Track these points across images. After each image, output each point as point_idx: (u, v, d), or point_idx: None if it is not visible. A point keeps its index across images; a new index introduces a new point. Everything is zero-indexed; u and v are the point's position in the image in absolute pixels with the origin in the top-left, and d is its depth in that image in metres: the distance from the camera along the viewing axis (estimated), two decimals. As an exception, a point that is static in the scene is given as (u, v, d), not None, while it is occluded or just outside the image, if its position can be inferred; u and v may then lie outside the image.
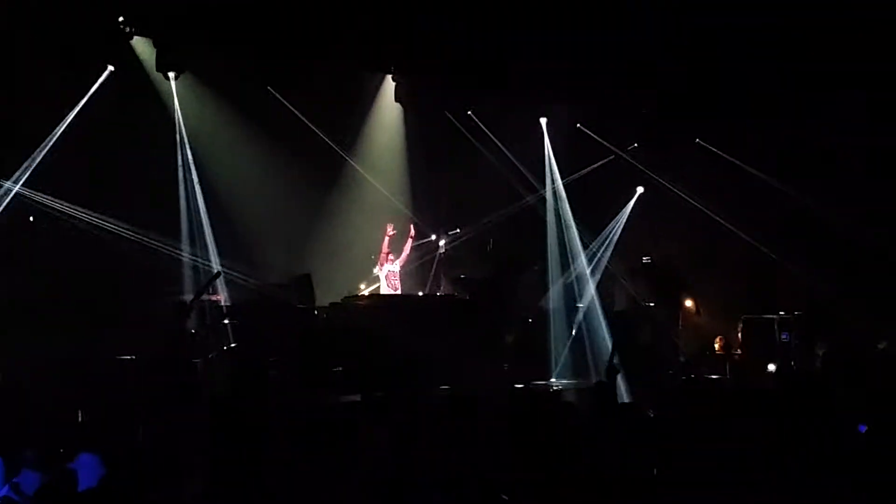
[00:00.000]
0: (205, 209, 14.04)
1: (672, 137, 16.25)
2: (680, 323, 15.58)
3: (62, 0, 12.31)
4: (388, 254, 14.23)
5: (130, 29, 13.53)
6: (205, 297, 12.78)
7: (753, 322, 15.01)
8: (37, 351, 11.65)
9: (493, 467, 6.24)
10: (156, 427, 8.59)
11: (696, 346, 15.27)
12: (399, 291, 14.26)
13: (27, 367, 11.49)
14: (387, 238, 14.26)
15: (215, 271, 13.24)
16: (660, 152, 16.39)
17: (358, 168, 15.36)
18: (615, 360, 11.46)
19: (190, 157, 14.06)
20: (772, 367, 13.45)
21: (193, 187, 14.04)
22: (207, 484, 6.29)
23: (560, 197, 16.10)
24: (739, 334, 15.12)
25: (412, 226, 14.68)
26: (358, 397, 10.66)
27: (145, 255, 13.31)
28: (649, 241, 16.34)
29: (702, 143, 16.07)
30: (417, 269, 15.05)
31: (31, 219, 12.99)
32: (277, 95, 14.36)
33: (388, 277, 14.22)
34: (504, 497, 5.52)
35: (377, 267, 14.29)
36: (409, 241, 14.49)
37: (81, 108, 13.19)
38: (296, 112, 14.46)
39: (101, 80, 13.33)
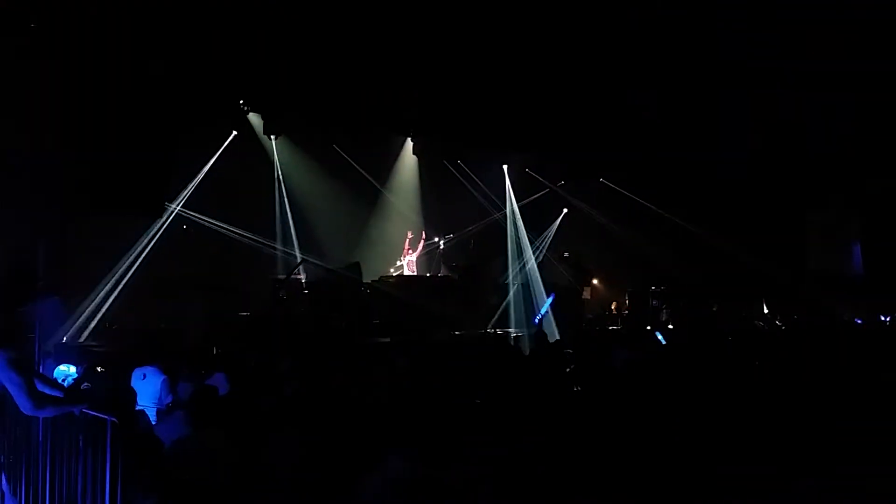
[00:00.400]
0: (291, 221, 14.21)
1: (586, 177, 16.35)
2: (590, 294, 15.75)
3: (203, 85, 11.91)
4: (408, 250, 14.32)
5: (247, 108, 13.76)
6: (293, 276, 12.80)
7: (636, 294, 15.24)
8: (188, 308, 11.79)
9: (472, 384, 6.05)
10: (259, 356, 8.23)
11: (599, 309, 15.51)
12: (415, 273, 14.34)
13: (183, 318, 11.65)
14: (407, 240, 14.44)
15: (299, 259, 13.23)
16: (578, 187, 16.53)
17: (389, 196, 15.48)
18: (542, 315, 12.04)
19: (284, 190, 14.24)
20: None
21: (285, 209, 14.18)
22: (297, 387, 5.78)
23: (516, 214, 16.22)
24: (626, 301, 15.35)
25: (423, 232, 14.73)
26: (388, 339, 11.01)
27: (254, 250, 13.47)
28: (570, 242, 16.42)
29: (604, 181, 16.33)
30: (426, 261, 14.98)
31: (185, 227, 13.01)
32: (339, 150, 14.44)
33: (408, 265, 14.30)
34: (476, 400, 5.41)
35: (401, 258, 14.36)
36: (422, 241, 14.56)
37: (218, 157, 13.33)
38: (349, 160, 14.46)
39: (228, 140, 13.48)
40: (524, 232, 16.04)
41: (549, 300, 13.93)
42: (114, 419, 3.49)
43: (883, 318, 12.99)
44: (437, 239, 14.97)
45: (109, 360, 7.45)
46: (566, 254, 15.35)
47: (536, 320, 13.54)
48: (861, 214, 15.25)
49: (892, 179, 13.72)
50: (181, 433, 4.20)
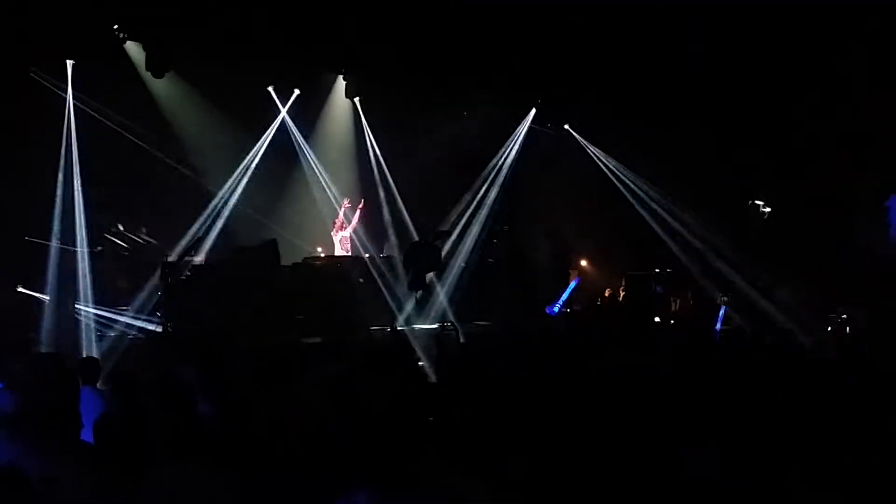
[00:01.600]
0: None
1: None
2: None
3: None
4: (341, 223, 12.51)
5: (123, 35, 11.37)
6: (187, 258, 11.08)
7: (635, 277, 13.41)
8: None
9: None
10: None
11: (589, 296, 13.48)
12: (350, 253, 12.50)
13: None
14: (342, 210, 12.60)
15: (192, 238, 11.44)
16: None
17: (314, 153, 13.31)
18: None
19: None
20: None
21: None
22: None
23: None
24: (623, 287, 13.43)
25: (362, 200, 12.88)
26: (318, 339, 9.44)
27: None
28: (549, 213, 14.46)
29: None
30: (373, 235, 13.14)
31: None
32: (246, 92, 12.34)
33: (340, 242, 12.50)
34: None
35: (333, 232, 12.55)
36: (359, 211, 12.67)
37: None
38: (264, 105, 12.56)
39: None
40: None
41: (573, 285, 12.94)
42: None
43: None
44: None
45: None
46: (505, 227, 13.82)
47: (555, 310, 12.43)
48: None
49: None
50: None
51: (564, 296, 12.56)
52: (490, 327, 11.07)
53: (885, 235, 13.18)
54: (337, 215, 12.52)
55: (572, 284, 12.81)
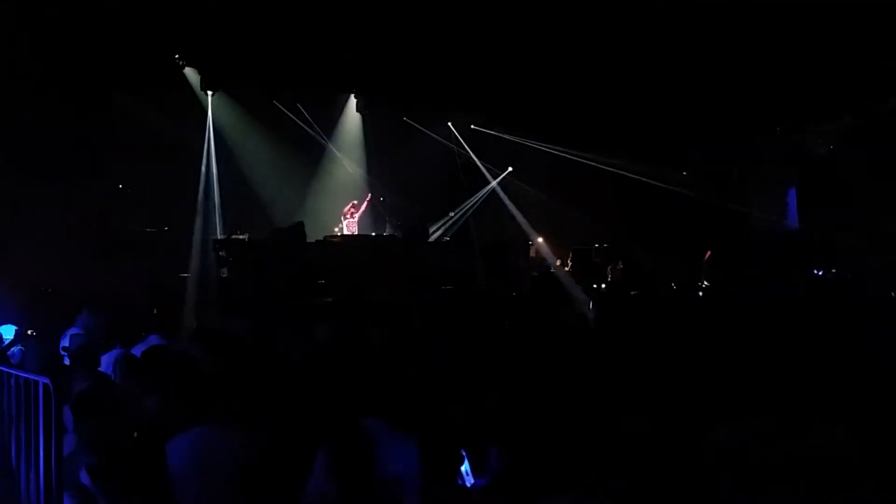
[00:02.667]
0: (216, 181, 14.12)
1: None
2: (535, 252, 16.03)
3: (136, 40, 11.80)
4: (349, 210, 14.44)
5: (182, 62, 13.65)
6: (234, 237, 12.80)
7: (579, 251, 15.63)
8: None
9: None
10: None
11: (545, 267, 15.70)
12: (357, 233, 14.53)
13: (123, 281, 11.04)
14: (350, 203, 14.57)
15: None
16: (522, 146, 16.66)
17: (333, 155, 15.46)
18: None
19: (213, 149, 14.11)
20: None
21: (211, 169, 14.09)
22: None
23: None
24: (570, 258, 15.75)
25: (368, 195, 14.94)
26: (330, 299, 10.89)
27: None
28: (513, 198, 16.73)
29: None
30: (372, 220, 15.22)
31: (121, 186, 12.81)
32: (280, 107, 14.42)
33: (348, 226, 14.47)
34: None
35: (341, 219, 14.49)
36: (365, 202, 14.74)
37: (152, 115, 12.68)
38: (292, 117, 14.49)
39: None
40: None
41: None
42: (46, 381, 3.46)
43: (816, 272, 13.49)
44: (382, 198, 15.13)
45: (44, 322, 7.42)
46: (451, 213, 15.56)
47: None
48: (798, 166, 15.80)
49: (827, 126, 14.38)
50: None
51: None
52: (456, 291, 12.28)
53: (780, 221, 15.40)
54: (347, 208, 14.53)
55: None
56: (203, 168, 13.94)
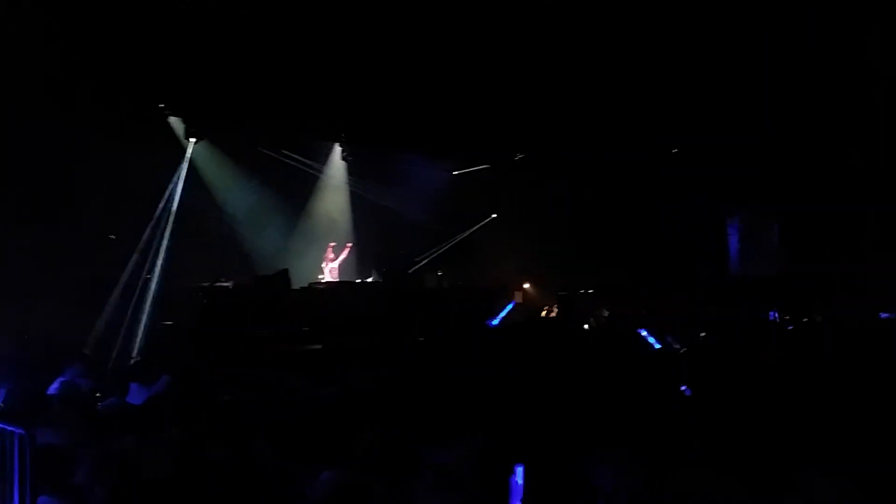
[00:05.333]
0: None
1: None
2: (521, 298, 15.98)
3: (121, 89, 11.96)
4: (330, 257, 14.59)
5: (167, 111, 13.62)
6: (217, 284, 12.65)
7: (565, 297, 15.49)
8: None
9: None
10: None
11: (531, 312, 15.65)
12: (338, 280, 14.64)
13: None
14: (329, 247, 14.71)
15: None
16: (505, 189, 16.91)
17: (317, 201, 15.60)
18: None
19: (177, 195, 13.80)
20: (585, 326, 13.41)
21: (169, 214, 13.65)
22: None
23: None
24: (555, 304, 15.67)
25: (348, 244, 15.02)
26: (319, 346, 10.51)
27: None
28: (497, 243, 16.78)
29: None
30: (357, 266, 15.26)
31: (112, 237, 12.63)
32: (267, 152, 14.40)
33: (331, 272, 14.56)
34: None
35: (324, 263, 14.61)
36: (346, 248, 14.82)
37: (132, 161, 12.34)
38: (281, 158, 14.54)
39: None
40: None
41: (509, 306, 14.26)
42: (22, 432, 3.58)
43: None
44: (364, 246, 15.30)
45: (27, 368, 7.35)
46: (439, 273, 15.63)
47: (494, 323, 13.69)
48: (778, 217, 16.01)
49: (807, 180, 14.48)
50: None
51: (503, 313, 14.05)
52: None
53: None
54: (327, 252, 14.66)
55: (509, 306, 14.39)
56: (159, 209, 13.55)
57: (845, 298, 12.64)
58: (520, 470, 3.20)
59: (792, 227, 15.51)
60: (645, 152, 14.49)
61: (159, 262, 12.90)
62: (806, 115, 13.03)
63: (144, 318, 11.99)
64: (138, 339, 11.36)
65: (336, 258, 14.61)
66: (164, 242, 13.16)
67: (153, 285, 12.60)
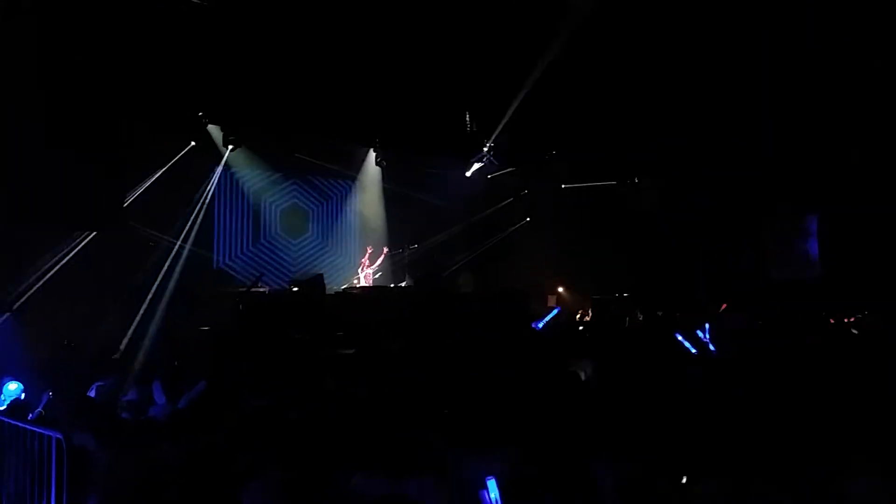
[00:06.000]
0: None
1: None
2: (555, 302, 15.99)
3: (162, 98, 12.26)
4: (365, 263, 14.66)
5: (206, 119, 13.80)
6: (254, 289, 12.83)
7: (599, 301, 15.52)
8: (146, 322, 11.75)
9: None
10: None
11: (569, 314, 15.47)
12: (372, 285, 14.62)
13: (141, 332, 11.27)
14: (367, 253, 14.75)
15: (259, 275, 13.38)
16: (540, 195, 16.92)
17: (353, 206, 15.72)
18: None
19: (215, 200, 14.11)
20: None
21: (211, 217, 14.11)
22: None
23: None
24: (590, 308, 15.55)
25: (384, 248, 15.04)
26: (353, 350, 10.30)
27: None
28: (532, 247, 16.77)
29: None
30: (392, 271, 15.27)
31: (151, 244, 12.92)
32: (304, 157, 14.64)
33: (366, 278, 14.64)
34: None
35: (359, 270, 14.69)
36: (382, 255, 14.86)
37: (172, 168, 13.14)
38: (314, 162, 14.78)
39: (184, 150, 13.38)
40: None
41: (555, 311, 13.76)
42: (59, 436, 3.70)
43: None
44: (401, 250, 15.22)
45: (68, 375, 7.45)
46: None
47: (539, 326, 13.29)
48: (818, 216, 15.74)
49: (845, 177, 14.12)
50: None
51: (548, 317, 13.32)
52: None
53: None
54: (364, 257, 14.76)
55: (555, 311, 13.73)
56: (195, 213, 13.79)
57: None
58: (491, 483, 3.17)
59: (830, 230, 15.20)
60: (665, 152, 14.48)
61: (179, 266, 13.04)
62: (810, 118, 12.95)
63: (154, 322, 11.97)
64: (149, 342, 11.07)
65: (372, 264, 14.71)
66: (188, 247, 13.34)
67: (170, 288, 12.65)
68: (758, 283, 14.91)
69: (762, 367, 6.98)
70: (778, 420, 4.39)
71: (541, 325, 13.40)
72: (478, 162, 16.05)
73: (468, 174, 16.40)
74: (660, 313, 13.86)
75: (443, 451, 3.76)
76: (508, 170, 16.74)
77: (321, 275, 13.09)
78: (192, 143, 13.56)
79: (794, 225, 15.61)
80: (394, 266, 15.43)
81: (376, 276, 14.76)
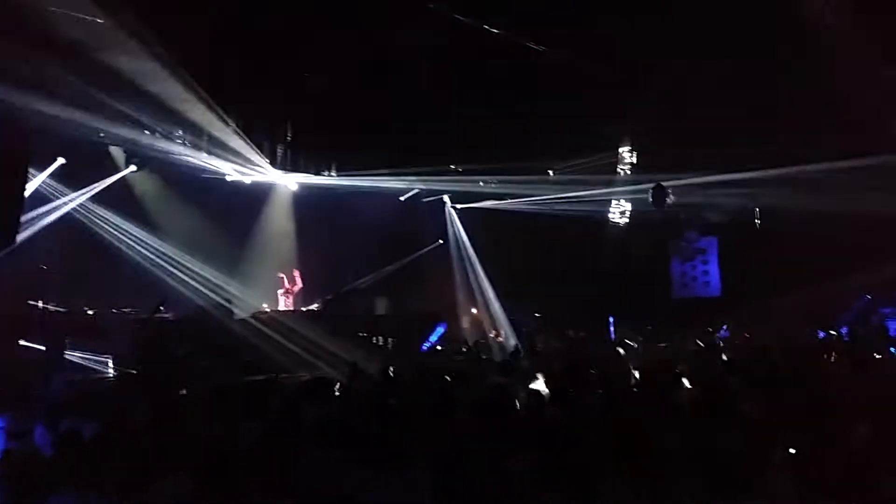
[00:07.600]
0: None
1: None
2: (468, 322, 16.11)
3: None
4: (286, 288, 14.46)
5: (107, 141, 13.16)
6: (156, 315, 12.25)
7: (513, 322, 15.50)
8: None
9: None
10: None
11: (479, 336, 15.45)
12: (293, 308, 14.35)
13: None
14: (283, 279, 14.55)
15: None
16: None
17: (263, 227, 15.36)
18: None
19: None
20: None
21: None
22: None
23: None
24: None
25: (296, 271, 14.77)
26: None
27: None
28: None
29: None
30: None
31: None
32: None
33: (285, 303, 14.40)
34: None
35: (280, 291, 14.43)
36: (299, 281, 14.60)
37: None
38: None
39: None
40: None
41: (441, 330, 14.11)
42: None
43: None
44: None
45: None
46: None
47: (425, 348, 13.58)
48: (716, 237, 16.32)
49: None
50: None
51: (433, 337, 13.92)
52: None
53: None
54: (282, 281, 14.42)
55: (440, 329, 14.17)
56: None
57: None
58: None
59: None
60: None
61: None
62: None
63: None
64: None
65: (291, 287, 14.36)
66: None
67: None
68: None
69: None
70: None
71: (426, 346, 13.84)
72: None
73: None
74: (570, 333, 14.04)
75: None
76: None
77: (229, 299, 12.94)
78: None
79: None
80: (308, 289, 15.01)
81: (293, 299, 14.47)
